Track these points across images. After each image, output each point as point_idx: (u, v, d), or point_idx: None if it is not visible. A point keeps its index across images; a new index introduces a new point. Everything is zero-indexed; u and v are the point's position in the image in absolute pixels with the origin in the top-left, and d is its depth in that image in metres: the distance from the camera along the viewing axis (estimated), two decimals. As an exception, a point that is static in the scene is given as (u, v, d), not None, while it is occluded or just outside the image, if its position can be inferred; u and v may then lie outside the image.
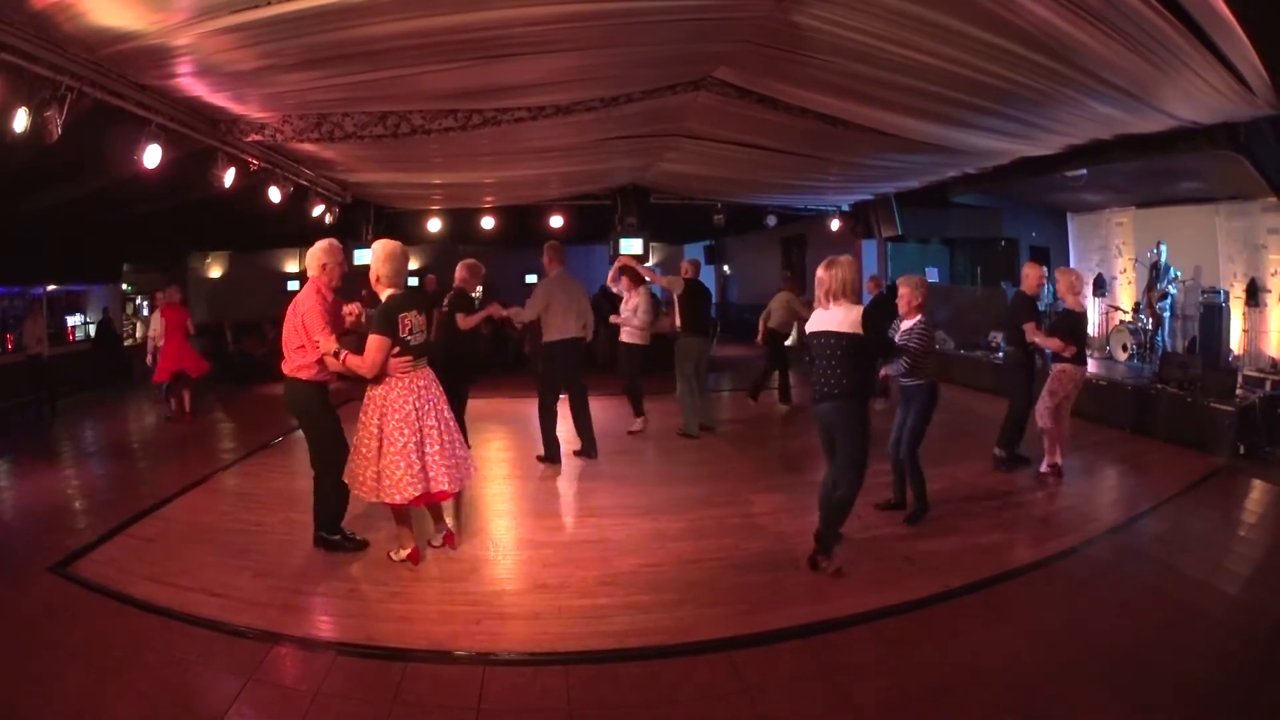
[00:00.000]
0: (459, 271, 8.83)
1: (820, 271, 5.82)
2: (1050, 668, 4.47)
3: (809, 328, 5.89)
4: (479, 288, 9.14)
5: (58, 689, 4.23)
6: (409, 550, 6.10)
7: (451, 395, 6.40)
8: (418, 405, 5.83)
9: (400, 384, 5.82)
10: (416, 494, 5.80)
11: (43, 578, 5.79)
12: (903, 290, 7.06)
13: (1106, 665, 4.45)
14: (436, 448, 5.88)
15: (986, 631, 4.97)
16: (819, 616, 5.10)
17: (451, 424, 6.11)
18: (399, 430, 5.76)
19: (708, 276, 26.94)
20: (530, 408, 9.47)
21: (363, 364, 5.70)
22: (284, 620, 5.11)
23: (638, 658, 4.65)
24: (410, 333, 5.82)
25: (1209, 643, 4.75)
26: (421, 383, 5.91)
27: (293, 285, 23.71)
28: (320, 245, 6.33)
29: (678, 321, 10.77)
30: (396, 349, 5.74)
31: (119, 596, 5.44)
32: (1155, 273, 13.42)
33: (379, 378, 5.79)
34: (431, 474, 5.86)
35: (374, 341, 5.68)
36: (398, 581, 5.77)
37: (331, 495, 6.32)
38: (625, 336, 10.87)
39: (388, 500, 5.81)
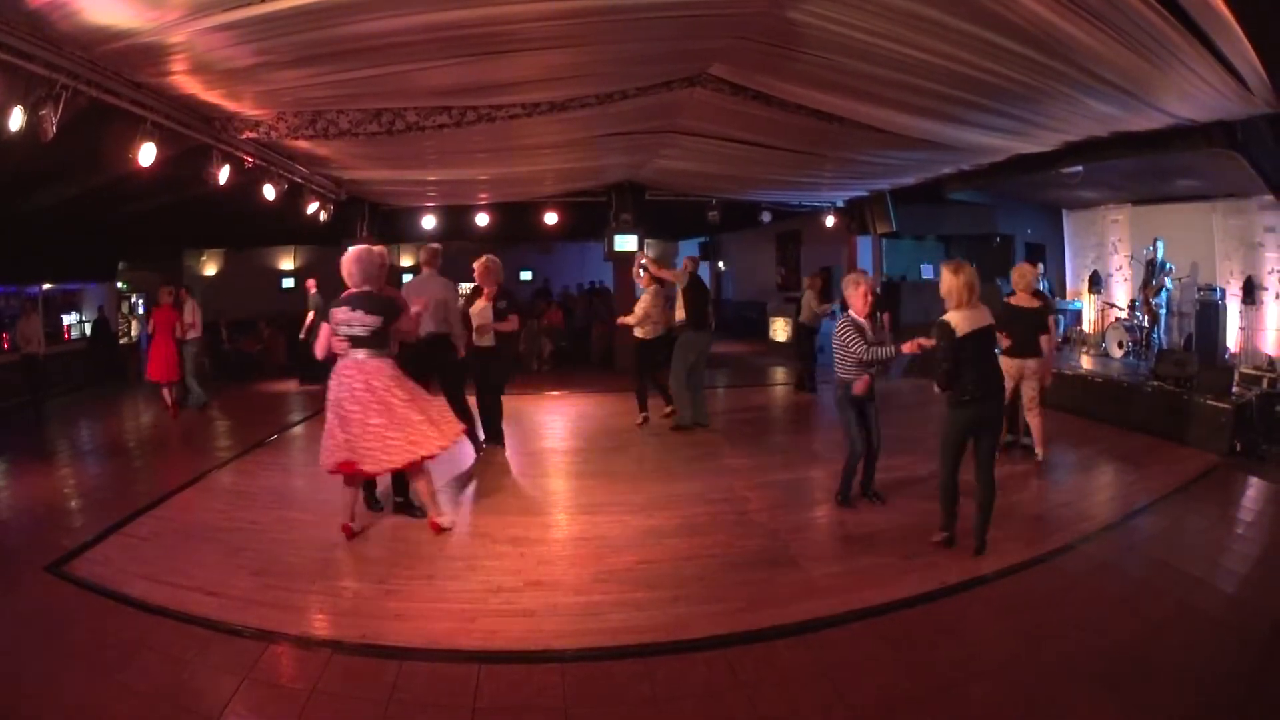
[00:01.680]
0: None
1: (966, 275, 6.39)
2: (1047, 665, 4.47)
3: (969, 327, 6.20)
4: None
5: (54, 689, 4.23)
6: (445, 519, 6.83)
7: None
8: (338, 392, 6.39)
9: (336, 369, 6.46)
10: (330, 465, 6.47)
11: (39, 577, 5.78)
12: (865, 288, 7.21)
13: (1104, 662, 4.45)
14: (355, 430, 6.33)
15: (984, 628, 4.99)
16: (816, 614, 5.10)
17: (386, 412, 6.39)
18: (327, 409, 6.48)
19: (702, 272, 27.03)
20: (521, 404, 9.48)
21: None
22: (280, 619, 5.10)
23: (634, 655, 4.64)
24: (338, 324, 6.40)
25: (1206, 640, 4.76)
26: (347, 372, 6.39)
27: (287, 283, 23.72)
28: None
29: (680, 315, 10.76)
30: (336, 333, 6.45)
31: (115, 596, 5.44)
32: (1151, 269, 13.42)
33: (329, 357, 6.57)
34: (345, 454, 6.37)
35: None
36: (393, 579, 5.77)
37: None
38: (636, 332, 10.98)
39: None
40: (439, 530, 6.71)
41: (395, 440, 6.35)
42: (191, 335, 12.90)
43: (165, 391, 12.78)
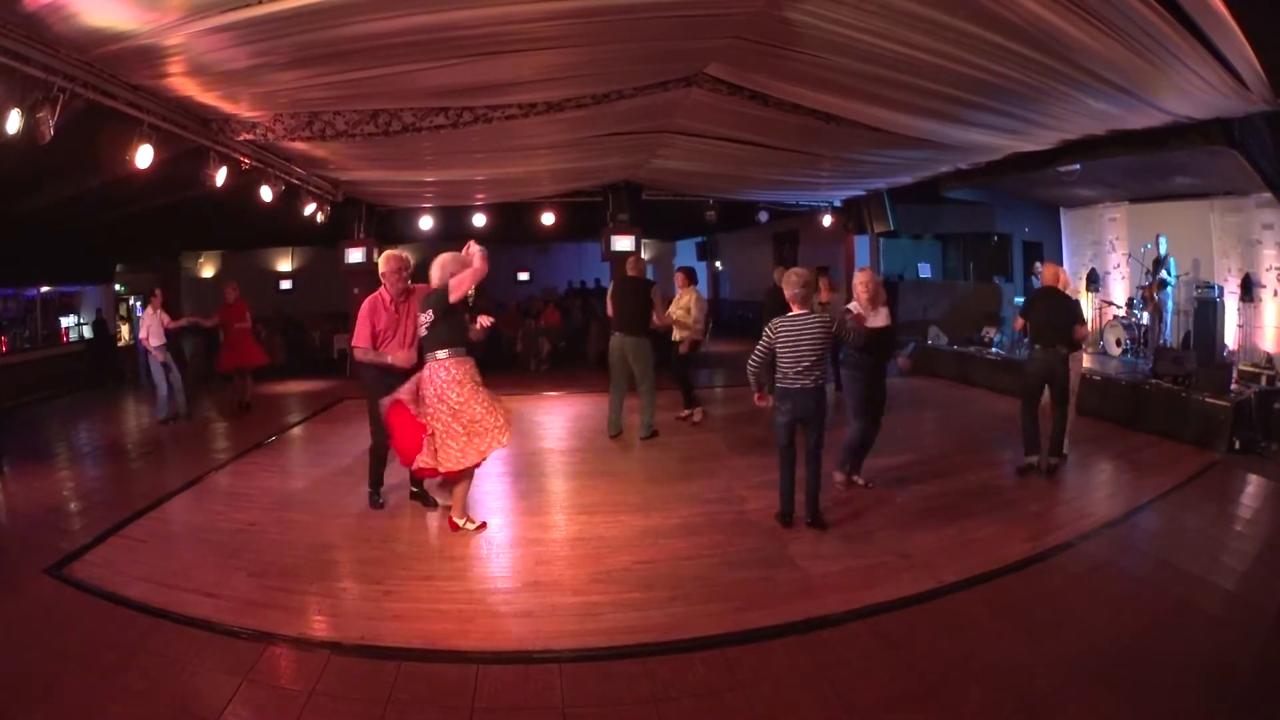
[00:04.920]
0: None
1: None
2: (1046, 663, 4.47)
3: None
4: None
5: (54, 691, 4.23)
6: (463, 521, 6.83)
7: None
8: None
9: None
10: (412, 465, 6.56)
11: (38, 580, 5.78)
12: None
13: (1102, 659, 4.46)
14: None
15: (982, 627, 4.98)
16: (813, 613, 5.10)
17: (438, 419, 6.38)
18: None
19: (699, 272, 27.03)
20: (519, 405, 9.47)
21: None
22: (278, 620, 5.11)
23: (631, 655, 4.64)
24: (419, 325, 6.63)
25: (1205, 637, 4.76)
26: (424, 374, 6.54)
27: (285, 285, 23.75)
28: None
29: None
30: None
31: (114, 598, 5.43)
32: (1157, 266, 13.40)
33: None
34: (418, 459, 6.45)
35: None
36: (391, 580, 5.77)
37: None
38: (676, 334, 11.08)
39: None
40: (455, 529, 6.73)
41: (449, 447, 6.37)
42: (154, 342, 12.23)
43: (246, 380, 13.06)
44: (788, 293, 6.61)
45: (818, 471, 6.72)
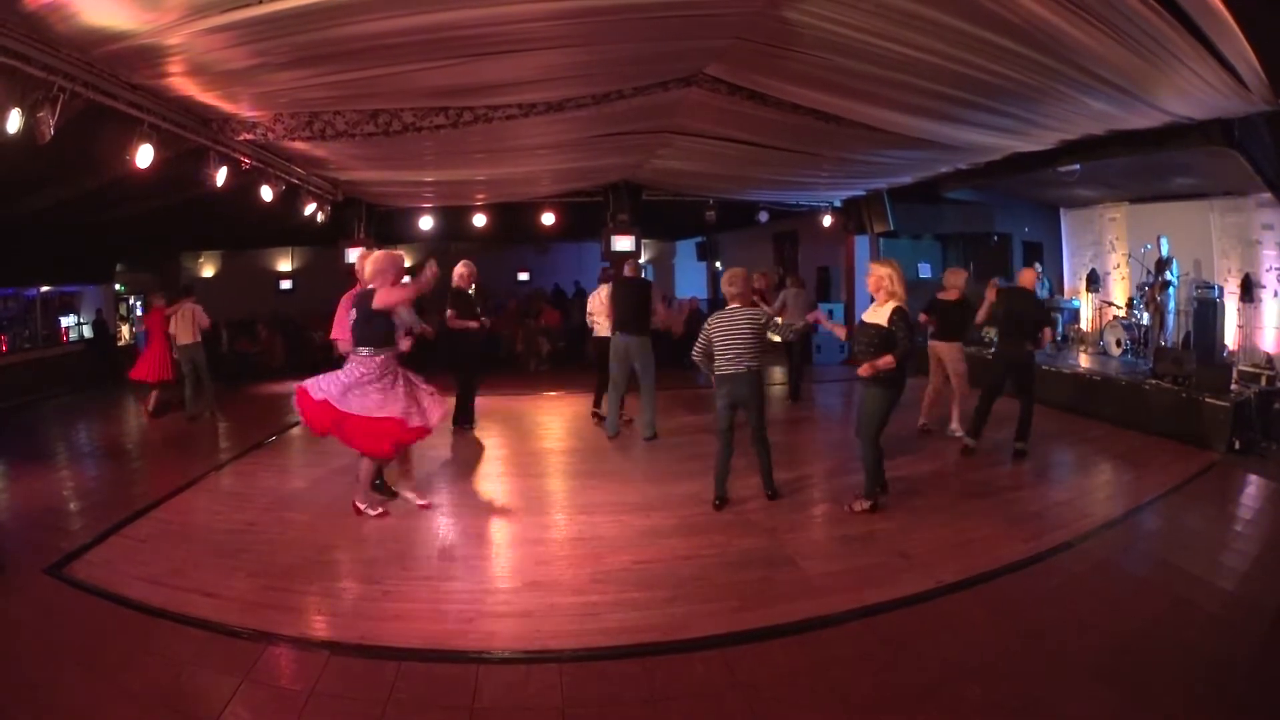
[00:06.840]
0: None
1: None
2: (1045, 661, 4.49)
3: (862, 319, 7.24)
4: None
5: (53, 691, 4.23)
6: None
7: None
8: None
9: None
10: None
11: (38, 579, 5.78)
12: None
13: (1101, 658, 4.46)
14: None
15: (981, 626, 4.99)
16: (812, 613, 5.11)
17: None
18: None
19: (699, 272, 26.99)
20: (519, 404, 9.46)
21: None
22: (278, 620, 5.10)
23: (631, 655, 4.64)
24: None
25: (1204, 636, 4.76)
26: None
27: (285, 285, 23.73)
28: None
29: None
30: None
31: (114, 598, 5.43)
32: (1159, 265, 13.37)
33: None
34: None
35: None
36: (390, 580, 5.77)
37: None
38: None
39: None
40: (359, 512, 7.17)
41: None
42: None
43: (154, 393, 12.45)
44: (723, 290, 7.40)
45: (767, 449, 7.45)
